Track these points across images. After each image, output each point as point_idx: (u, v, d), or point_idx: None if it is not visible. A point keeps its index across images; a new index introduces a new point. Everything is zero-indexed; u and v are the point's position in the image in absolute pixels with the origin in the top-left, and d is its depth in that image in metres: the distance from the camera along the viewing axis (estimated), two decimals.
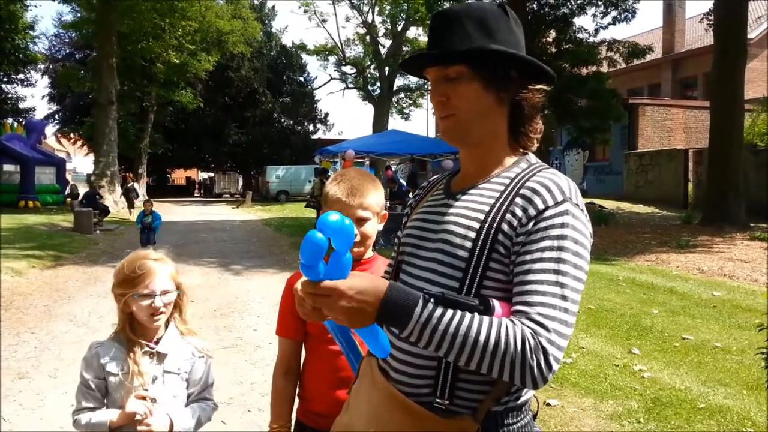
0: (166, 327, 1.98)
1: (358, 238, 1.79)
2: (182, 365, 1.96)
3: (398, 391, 1.27)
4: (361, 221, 1.77)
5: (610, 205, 18.15)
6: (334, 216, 1.10)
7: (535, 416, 1.36)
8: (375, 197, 1.81)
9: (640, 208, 18.39)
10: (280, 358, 1.93)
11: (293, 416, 1.94)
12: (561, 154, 24.27)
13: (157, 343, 1.94)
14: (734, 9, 13.96)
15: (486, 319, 1.13)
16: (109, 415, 1.85)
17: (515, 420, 1.28)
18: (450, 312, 1.13)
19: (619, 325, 6.06)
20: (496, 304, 1.17)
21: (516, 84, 1.30)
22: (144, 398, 1.84)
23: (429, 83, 1.38)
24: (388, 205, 13.21)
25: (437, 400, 1.23)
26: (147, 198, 16.64)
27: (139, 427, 1.80)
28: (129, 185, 24.17)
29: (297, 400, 1.94)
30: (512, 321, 1.13)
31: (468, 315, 1.13)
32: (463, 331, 1.11)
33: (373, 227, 1.83)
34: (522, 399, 1.29)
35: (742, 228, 12.94)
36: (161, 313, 1.91)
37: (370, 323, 1.14)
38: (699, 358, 5.07)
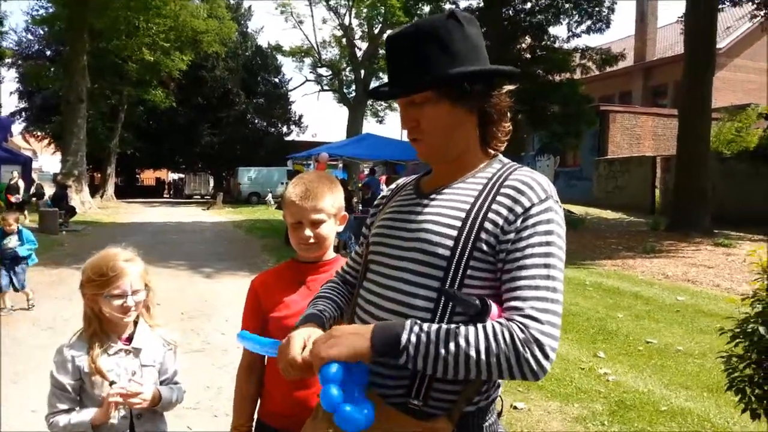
0: (135, 323, 2.04)
1: (315, 243, 1.83)
2: (156, 357, 2.05)
3: (373, 393, 1.28)
4: (315, 224, 1.81)
5: (579, 210, 18.39)
6: (334, 368, 1.17)
7: (499, 415, 1.39)
8: (330, 200, 1.82)
9: (609, 214, 18.69)
10: (243, 358, 1.96)
11: (255, 416, 1.95)
12: (533, 159, 24.54)
13: (129, 339, 2.01)
14: (704, 20, 14.28)
15: (471, 328, 1.16)
16: (89, 414, 1.89)
17: (485, 419, 1.31)
18: (434, 330, 1.16)
19: (585, 329, 6.15)
20: (493, 306, 1.20)
21: (482, 93, 1.32)
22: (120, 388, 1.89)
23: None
24: (360, 208, 13.19)
25: (412, 401, 1.25)
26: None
27: (132, 400, 1.87)
28: (12, 182, 17.76)
29: (259, 401, 1.96)
30: (499, 322, 1.17)
31: (453, 328, 1.16)
32: (453, 347, 1.15)
33: (330, 229, 1.85)
34: (491, 398, 1.32)
35: (707, 234, 13.23)
36: (132, 312, 1.97)
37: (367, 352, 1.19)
38: (662, 361, 5.17)
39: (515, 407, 4.11)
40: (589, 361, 5.13)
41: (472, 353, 1.13)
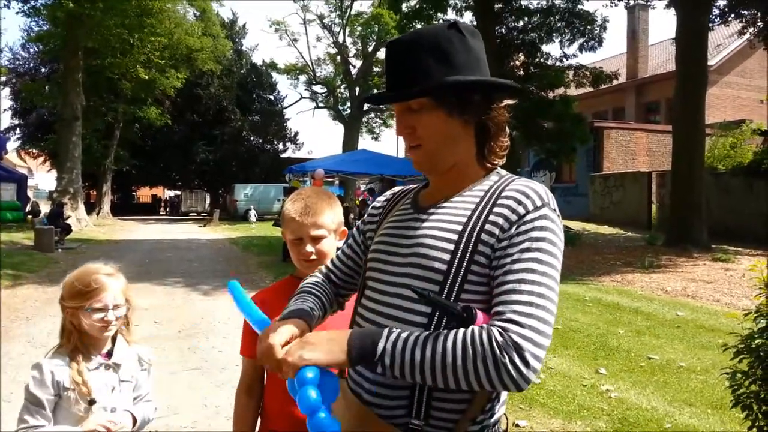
0: (114, 339, 2.03)
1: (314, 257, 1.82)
2: (134, 372, 2.05)
3: (373, 413, 1.25)
4: (315, 239, 1.81)
5: (576, 226, 18.42)
6: (311, 372, 1.13)
7: None
8: (330, 215, 1.83)
9: (606, 229, 18.71)
10: (243, 377, 1.94)
11: None
12: (528, 175, 24.59)
13: (109, 355, 2.00)
14: (695, 37, 14.44)
15: (450, 333, 1.12)
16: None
17: None
18: (412, 337, 1.13)
19: (586, 345, 6.11)
20: (479, 314, 1.16)
21: (480, 105, 1.30)
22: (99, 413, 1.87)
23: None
24: (357, 224, 13.20)
25: (413, 421, 1.21)
26: None
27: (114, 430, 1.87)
28: None
29: (259, 419, 1.94)
30: (480, 327, 1.12)
31: (431, 334, 1.13)
32: (429, 353, 1.10)
33: (330, 245, 1.85)
34: (495, 417, 1.28)
35: (704, 249, 13.25)
36: (112, 326, 1.96)
37: (343, 360, 1.15)
38: (664, 377, 5.13)
39: (517, 425, 4.05)
40: (590, 378, 5.09)
41: (449, 359, 1.09)
